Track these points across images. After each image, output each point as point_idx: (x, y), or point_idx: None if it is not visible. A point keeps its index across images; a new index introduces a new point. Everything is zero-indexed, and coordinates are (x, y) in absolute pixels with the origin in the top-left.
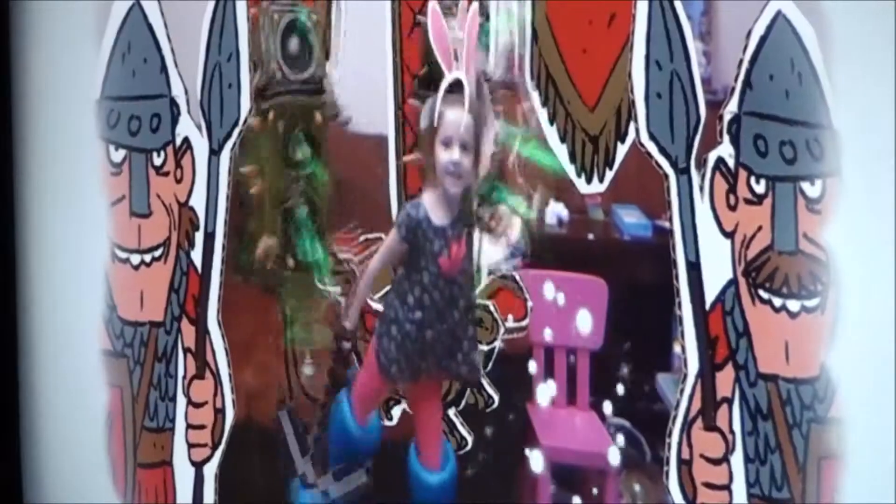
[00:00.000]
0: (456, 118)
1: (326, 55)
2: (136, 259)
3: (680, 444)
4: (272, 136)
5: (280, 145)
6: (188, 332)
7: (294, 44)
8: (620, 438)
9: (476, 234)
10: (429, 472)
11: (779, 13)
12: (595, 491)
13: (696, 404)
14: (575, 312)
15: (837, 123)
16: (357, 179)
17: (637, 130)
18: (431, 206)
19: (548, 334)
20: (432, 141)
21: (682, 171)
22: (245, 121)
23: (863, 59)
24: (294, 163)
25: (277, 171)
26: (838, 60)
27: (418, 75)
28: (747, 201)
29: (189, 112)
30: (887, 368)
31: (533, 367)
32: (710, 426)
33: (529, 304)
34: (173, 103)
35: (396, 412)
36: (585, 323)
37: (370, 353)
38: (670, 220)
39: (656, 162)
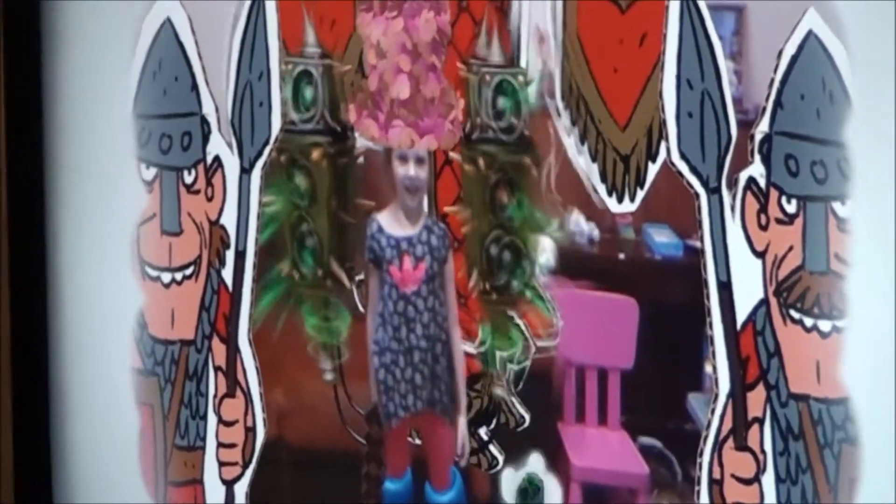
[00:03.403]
0: None
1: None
2: (166, 277)
3: (711, 464)
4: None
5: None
6: (219, 350)
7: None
8: (651, 458)
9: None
10: (438, 493)
11: (810, 33)
12: None
13: (727, 424)
14: (605, 332)
15: (866, 143)
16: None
17: (668, 150)
18: (388, 220)
19: (578, 353)
20: (389, 157)
21: (713, 191)
22: (276, 140)
23: (893, 78)
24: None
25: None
26: (869, 81)
27: None
28: (778, 221)
29: (220, 130)
30: None
31: (564, 386)
32: (742, 446)
33: (560, 323)
34: (204, 121)
35: None
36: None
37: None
38: (701, 239)
39: (687, 181)
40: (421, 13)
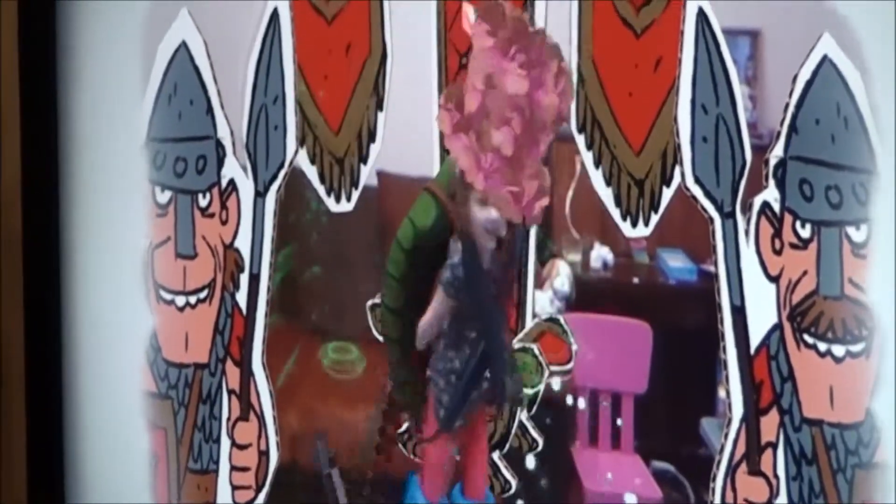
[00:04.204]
0: None
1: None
2: (181, 301)
3: (724, 488)
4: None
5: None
6: (233, 373)
7: None
8: (664, 483)
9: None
10: (474, 503)
11: (825, 58)
12: None
13: (741, 449)
14: (620, 357)
15: (883, 168)
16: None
17: (682, 174)
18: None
19: (592, 378)
20: (467, 196)
21: (728, 216)
22: (290, 163)
23: None
24: None
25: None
26: (884, 105)
27: None
28: (792, 246)
29: (235, 154)
30: None
31: (577, 410)
32: (755, 471)
33: (574, 347)
34: (219, 145)
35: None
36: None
37: (430, 421)
38: (715, 264)
39: (702, 206)
40: (548, 91)
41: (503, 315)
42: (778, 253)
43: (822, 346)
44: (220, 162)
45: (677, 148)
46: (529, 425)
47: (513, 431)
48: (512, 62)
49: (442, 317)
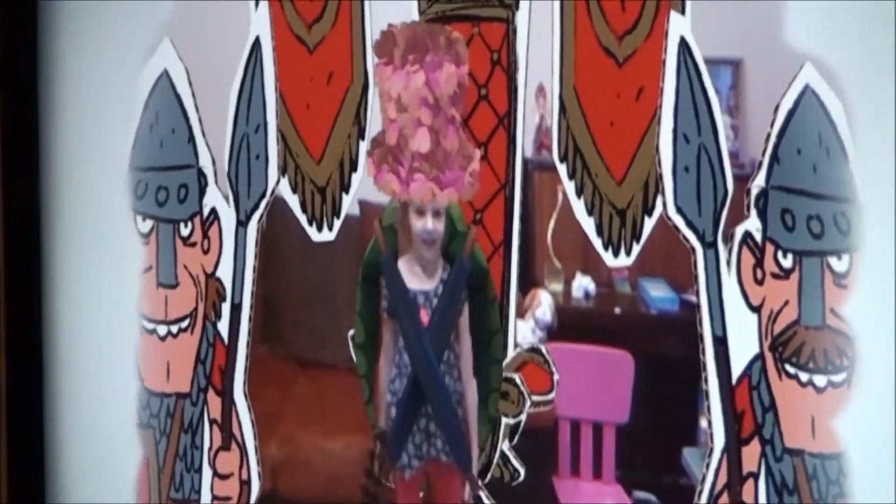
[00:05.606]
0: None
1: None
2: (162, 330)
3: None
4: None
5: None
6: (214, 403)
7: None
8: None
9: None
10: None
11: (807, 87)
12: None
13: (722, 479)
14: (601, 386)
15: (864, 198)
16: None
17: (664, 204)
18: (407, 272)
19: (574, 407)
20: (406, 209)
21: (710, 246)
22: (272, 192)
23: (890, 133)
24: None
25: None
26: (866, 135)
27: None
28: (774, 276)
29: (216, 183)
30: None
31: (559, 440)
32: (736, 501)
33: (556, 377)
34: (201, 174)
35: None
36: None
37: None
38: (697, 294)
39: (683, 236)
40: (443, 66)
41: (440, 345)
42: (759, 283)
43: (804, 376)
44: (202, 191)
45: (659, 177)
46: (511, 455)
47: (494, 461)
48: (405, 66)
49: (391, 348)
